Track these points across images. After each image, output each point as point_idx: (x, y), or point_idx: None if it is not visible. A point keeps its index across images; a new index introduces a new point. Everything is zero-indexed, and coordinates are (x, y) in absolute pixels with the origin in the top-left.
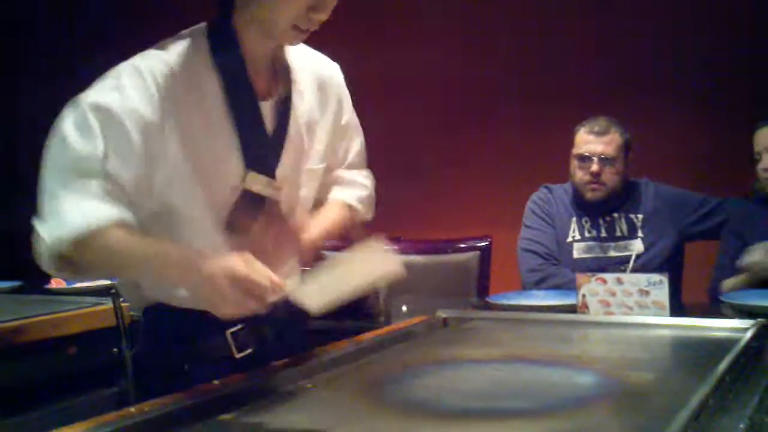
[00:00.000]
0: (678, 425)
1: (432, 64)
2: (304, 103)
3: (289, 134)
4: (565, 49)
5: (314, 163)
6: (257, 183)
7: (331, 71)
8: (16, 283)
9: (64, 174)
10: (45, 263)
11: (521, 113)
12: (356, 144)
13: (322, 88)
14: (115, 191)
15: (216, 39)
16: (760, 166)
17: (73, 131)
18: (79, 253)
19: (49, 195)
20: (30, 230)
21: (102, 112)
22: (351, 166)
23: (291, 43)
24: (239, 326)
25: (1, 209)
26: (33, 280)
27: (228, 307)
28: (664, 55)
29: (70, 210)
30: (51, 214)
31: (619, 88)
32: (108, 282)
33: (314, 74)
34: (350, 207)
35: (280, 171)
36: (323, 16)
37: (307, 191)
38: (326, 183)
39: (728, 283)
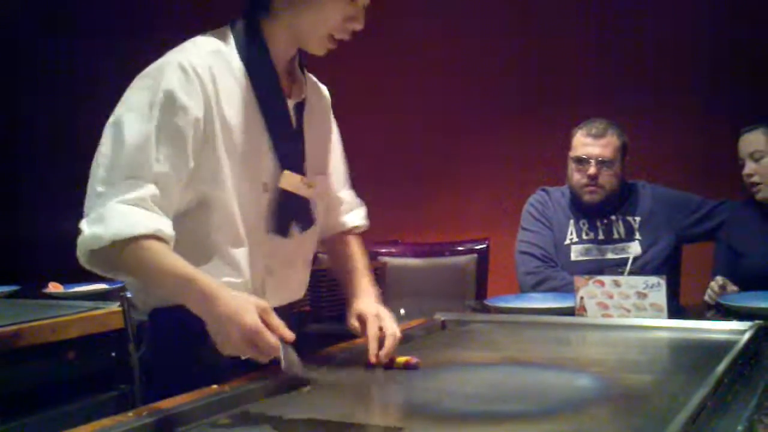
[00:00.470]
0: (676, 427)
1: (429, 67)
2: (322, 116)
3: (311, 136)
4: (562, 51)
5: (323, 171)
6: (292, 182)
7: (326, 93)
8: (13, 288)
9: (113, 173)
10: (80, 255)
11: (518, 116)
12: (343, 163)
13: (320, 105)
14: (161, 195)
15: (244, 40)
16: (744, 171)
17: (126, 130)
18: (114, 254)
19: (96, 192)
20: (28, 236)
21: (153, 110)
22: (344, 186)
23: (319, 52)
24: None
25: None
26: (31, 284)
27: (229, 349)
28: (662, 57)
29: (113, 211)
30: (94, 211)
31: (616, 91)
32: (106, 286)
33: (314, 91)
34: (359, 227)
35: (308, 170)
36: (358, 26)
37: (324, 193)
38: (330, 206)
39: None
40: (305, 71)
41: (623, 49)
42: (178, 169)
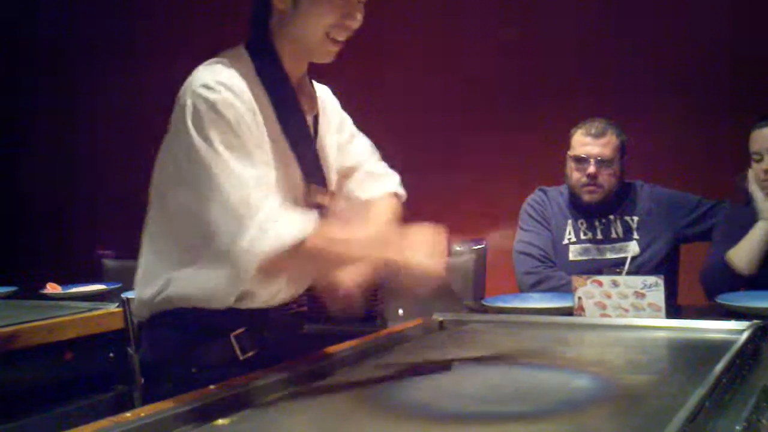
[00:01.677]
0: (675, 427)
1: (427, 65)
2: (325, 123)
3: (322, 149)
4: (561, 50)
5: (332, 175)
6: (319, 195)
7: (328, 94)
8: (11, 289)
9: (250, 190)
10: (251, 264)
11: (516, 116)
12: (364, 142)
13: (327, 110)
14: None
15: (259, 59)
16: (761, 166)
17: (217, 162)
18: (292, 259)
19: (237, 217)
20: (27, 237)
21: (232, 137)
22: (372, 157)
23: (325, 59)
24: (242, 329)
25: None
26: (29, 285)
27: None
28: (661, 57)
29: (273, 223)
30: (247, 232)
31: (614, 90)
32: (103, 287)
33: (323, 98)
34: (396, 194)
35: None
36: (355, 24)
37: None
38: (358, 179)
39: (735, 250)
40: (313, 83)
41: (622, 49)
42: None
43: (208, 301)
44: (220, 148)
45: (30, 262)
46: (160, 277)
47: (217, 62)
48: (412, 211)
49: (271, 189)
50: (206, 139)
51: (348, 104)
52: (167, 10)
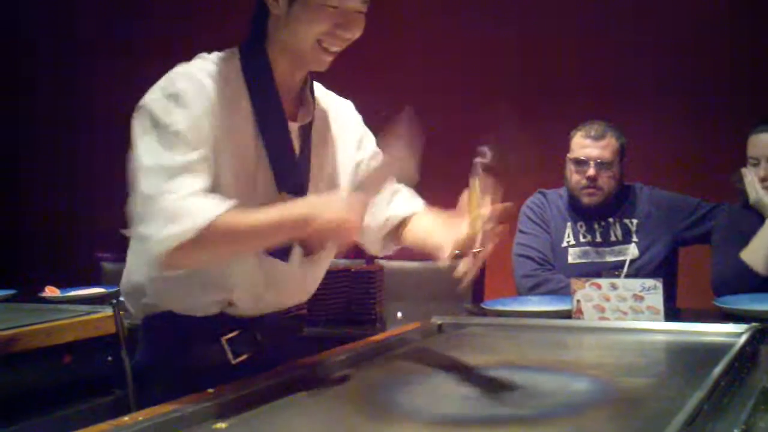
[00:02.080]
0: (673, 430)
1: (426, 66)
2: (333, 136)
3: (317, 158)
4: (559, 53)
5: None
6: None
7: (348, 109)
8: (10, 292)
9: (160, 178)
10: (158, 258)
11: (516, 118)
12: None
13: (344, 125)
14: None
15: (249, 62)
16: (758, 172)
17: (155, 138)
18: (201, 246)
19: (150, 198)
20: (26, 240)
21: (174, 113)
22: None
23: (319, 67)
24: (235, 332)
25: None
26: (28, 288)
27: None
28: (660, 60)
29: (180, 208)
30: (155, 216)
31: (613, 93)
32: (102, 290)
33: (338, 112)
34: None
35: (311, 193)
36: (349, 35)
37: None
38: (384, 195)
39: (750, 251)
40: (314, 93)
41: (621, 52)
42: (210, 167)
43: (188, 309)
44: (145, 134)
45: (29, 265)
46: (139, 282)
47: (199, 57)
48: None
49: (190, 174)
50: (136, 125)
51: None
52: (169, 10)
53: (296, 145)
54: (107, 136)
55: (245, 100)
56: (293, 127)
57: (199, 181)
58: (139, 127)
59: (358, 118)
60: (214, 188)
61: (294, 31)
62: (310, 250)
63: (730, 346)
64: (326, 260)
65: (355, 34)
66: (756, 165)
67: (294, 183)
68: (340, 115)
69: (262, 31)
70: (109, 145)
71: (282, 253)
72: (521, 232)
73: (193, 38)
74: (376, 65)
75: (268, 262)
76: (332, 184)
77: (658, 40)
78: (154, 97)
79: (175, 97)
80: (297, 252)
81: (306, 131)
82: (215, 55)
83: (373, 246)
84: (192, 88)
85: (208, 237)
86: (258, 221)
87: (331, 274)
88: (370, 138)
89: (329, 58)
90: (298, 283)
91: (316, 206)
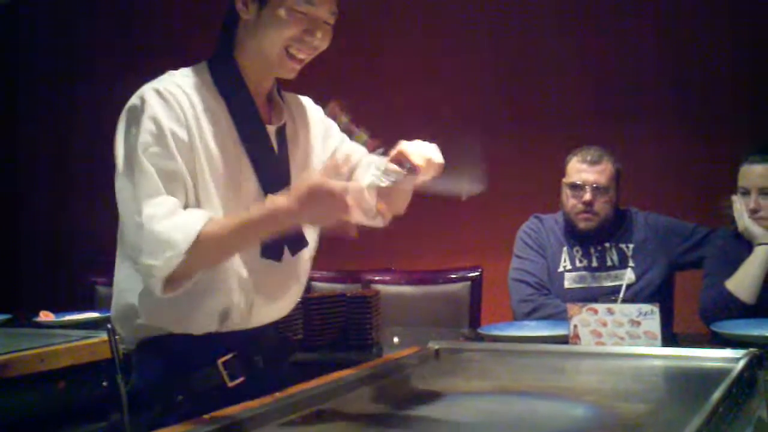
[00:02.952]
0: None
1: (423, 92)
2: (303, 134)
3: (294, 158)
4: (554, 78)
5: None
6: None
7: (309, 104)
8: (5, 317)
9: (135, 204)
10: (156, 286)
11: (511, 143)
12: (357, 145)
13: (309, 120)
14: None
15: (219, 70)
16: (751, 206)
17: (126, 166)
18: (194, 260)
19: (134, 226)
20: (21, 265)
21: (152, 145)
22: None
23: (287, 74)
24: (230, 355)
25: None
26: (22, 312)
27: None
28: (658, 84)
29: (162, 232)
30: (146, 245)
31: (610, 118)
32: (97, 315)
33: (301, 109)
34: None
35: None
36: (317, 42)
37: None
38: (364, 168)
39: (736, 279)
40: (282, 94)
41: (618, 77)
42: (183, 180)
43: (184, 326)
44: (122, 156)
45: (25, 290)
46: (131, 304)
47: (170, 73)
48: (409, 239)
49: (165, 194)
50: (116, 146)
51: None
52: (167, 15)
53: (275, 147)
54: (104, 160)
55: (221, 109)
56: (270, 130)
57: (175, 200)
58: (116, 148)
59: (320, 112)
60: (201, 198)
61: (263, 36)
62: (295, 248)
63: (727, 371)
64: (309, 254)
65: (323, 42)
66: (745, 194)
67: (278, 184)
68: (304, 112)
69: (231, 40)
70: (107, 170)
71: (275, 252)
72: (517, 256)
73: (191, 46)
74: (368, 89)
75: (257, 263)
76: None
77: (655, 64)
78: (127, 116)
79: (145, 115)
80: (287, 251)
81: (281, 132)
82: (184, 69)
83: (367, 216)
84: (162, 104)
85: (199, 250)
86: (240, 221)
87: (328, 299)
88: (333, 125)
89: (297, 66)
90: (288, 282)
91: (298, 198)
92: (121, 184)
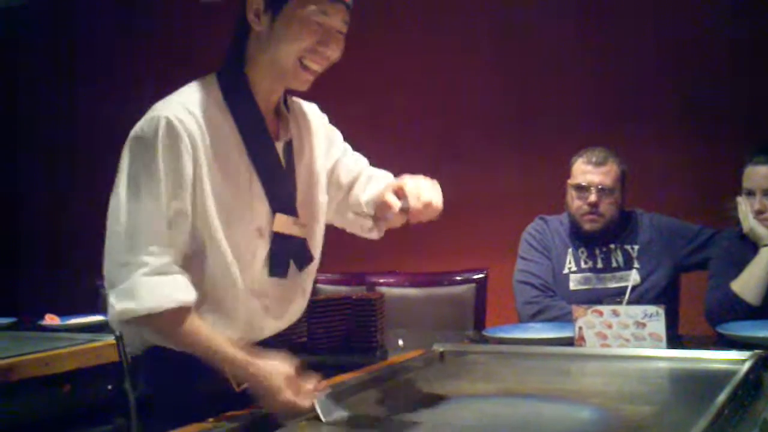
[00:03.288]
0: None
1: (427, 96)
2: (307, 145)
3: (299, 173)
4: (558, 79)
5: (322, 198)
6: (285, 224)
7: (314, 112)
8: (10, 320)
9: (135, 240)
10: (112, 323)
11: (516, 145)
12: (356, 153)
13: (315, 130)
14: (179, 255)
15: (228, 85)
16: (756, 207)
17: (138, 197)
18: (145, 321)
19: (121, 262)
20: (27, 269)
21: (157, 173)
22: (367, 166)
23: (301, 86)
24: None
25: None
26: (28, 315)
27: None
28: (662, 86)
29: (142, 286)
30: (122, 284)
31: (614, 120)
32: (102, 318)
33: (306, 119)
34: None
35: (299, 208)
36: (329, 52)
37: (319, 225)
38: (362, 184)
39: (741, 281)
40: (288, 103)
41: (623, 78)
42: (186, 224)
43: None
44: (126, 179)
45: (30, 292)
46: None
47: (178, 93)
48: (414, 241)
49: (159, 245)
50: (120, 170)
51: (347, 135)
52: (167, 15)
53: (283, 163)
54: (104, 164)
55: (229, 125)
56: (278, 146)
57: (170, 257)
58: (120, 172)
59: (324, 120)
60: (204, 236)
61: (276, 47)
62: (302, 264)
63: (733, 373)
64: (314, 266)
65: (336, 53)
66: (750, 195)
67: (286, 201)
68: (309, 123)
69: (242, 53)
70: (109, 174)
71: (281, 271)
72: (522, 258)
73: (196, 50)
74: (377, 93)
75: (265, 281)
76: (310, 194)
77: (658, 65)
78: (135, 145)
79: (156, 151)
80: (294, 267)
81: (288, 147)
82: (193, 85)
83: (363, 230)
84: (173, 138)
85: (157, 322)
86: (199, 343)
87: (332, 302)
88: (338, 135)
89: (310, 77)
90: (293, 296)
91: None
92: (118, 209)
